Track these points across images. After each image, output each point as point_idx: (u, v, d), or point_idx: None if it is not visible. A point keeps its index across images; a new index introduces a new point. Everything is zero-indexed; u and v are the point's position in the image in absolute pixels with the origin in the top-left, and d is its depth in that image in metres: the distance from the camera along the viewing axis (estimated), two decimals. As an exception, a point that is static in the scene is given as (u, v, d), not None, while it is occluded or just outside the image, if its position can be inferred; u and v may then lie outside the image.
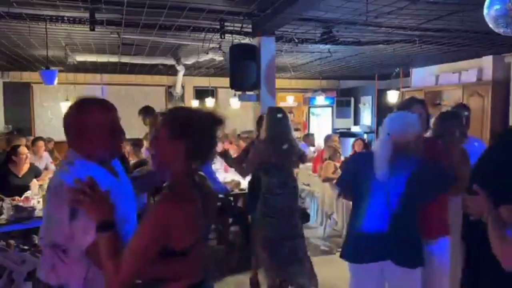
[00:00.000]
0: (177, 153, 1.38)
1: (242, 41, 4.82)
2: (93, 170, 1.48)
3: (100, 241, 1.33)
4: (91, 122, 1.50)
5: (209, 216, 1.52)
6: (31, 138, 7.06)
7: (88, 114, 1.52)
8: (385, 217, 2.18)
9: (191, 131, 1.38)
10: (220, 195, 4.31)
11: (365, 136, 9.44)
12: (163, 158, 1.43)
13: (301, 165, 6.87)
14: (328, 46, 5.58)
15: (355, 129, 10.09)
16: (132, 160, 4.73)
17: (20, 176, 4.78)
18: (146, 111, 5.41)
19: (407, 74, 8.24)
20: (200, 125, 1.41)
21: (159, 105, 9.37)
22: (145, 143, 5.09)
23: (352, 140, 8.00)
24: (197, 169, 1.50)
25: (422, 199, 2.21)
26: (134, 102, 9.41)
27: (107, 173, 1.56)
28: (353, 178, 2.35)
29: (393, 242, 2.18)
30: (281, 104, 10.23)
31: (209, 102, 9.17)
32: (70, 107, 1.56)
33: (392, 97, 7.81)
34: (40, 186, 4.51)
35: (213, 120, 1.45)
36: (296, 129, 10.68)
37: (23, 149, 4.87)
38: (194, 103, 9.55)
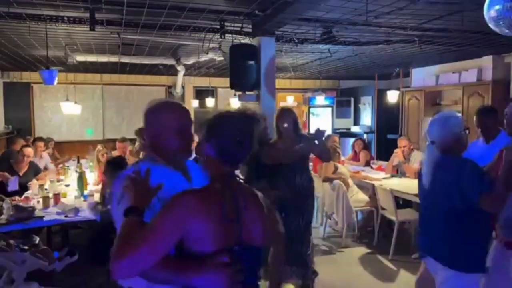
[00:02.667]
0: (209, 157, 1.37)
1: (242, 41, 4.82)
2: (166, 174, 1.48)
3: (124, 223, 1.27)
4: (173, 123, 1.52)
5: (241, 223, 1.35)
6: (31, 138, 7.11)
7: (171, 116, 1.53)
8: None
9: (217, 135, 1.36)
10: None
11: (365, 136, 9.45)
12: (203, 163, 1.42)
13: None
14: (328, 46, 5.57)
15: (355, 129, 10.09)
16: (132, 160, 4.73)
17: (21, 174, 4.94)
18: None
19: (407, 74, 8.24)
20: (226, 128, 1.36)
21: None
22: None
23: (352, 140, 8.01)
24: (232, 173, 1.41)
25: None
26: (134, 102, 9.46)
27: (180, 176, 1.54)
28: None
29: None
30: (281, 104, 10.26)
31: (209, 102, 9.18)
32: (153, 108, 1.56)
33: (392, 97, 7.80)
34: (40, 186, 4.54)
35: (243, 121, 1.38)
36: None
37: (27, 150, 5.03)
38: (194, 103, 9.56)
